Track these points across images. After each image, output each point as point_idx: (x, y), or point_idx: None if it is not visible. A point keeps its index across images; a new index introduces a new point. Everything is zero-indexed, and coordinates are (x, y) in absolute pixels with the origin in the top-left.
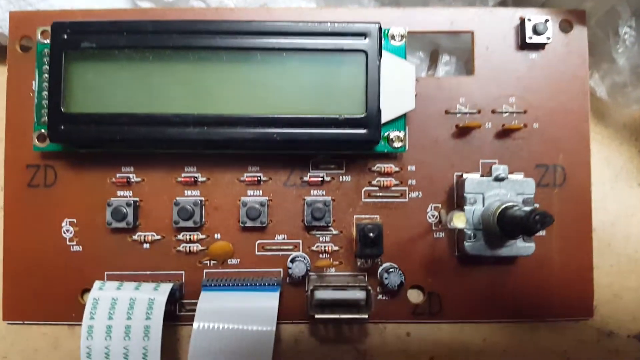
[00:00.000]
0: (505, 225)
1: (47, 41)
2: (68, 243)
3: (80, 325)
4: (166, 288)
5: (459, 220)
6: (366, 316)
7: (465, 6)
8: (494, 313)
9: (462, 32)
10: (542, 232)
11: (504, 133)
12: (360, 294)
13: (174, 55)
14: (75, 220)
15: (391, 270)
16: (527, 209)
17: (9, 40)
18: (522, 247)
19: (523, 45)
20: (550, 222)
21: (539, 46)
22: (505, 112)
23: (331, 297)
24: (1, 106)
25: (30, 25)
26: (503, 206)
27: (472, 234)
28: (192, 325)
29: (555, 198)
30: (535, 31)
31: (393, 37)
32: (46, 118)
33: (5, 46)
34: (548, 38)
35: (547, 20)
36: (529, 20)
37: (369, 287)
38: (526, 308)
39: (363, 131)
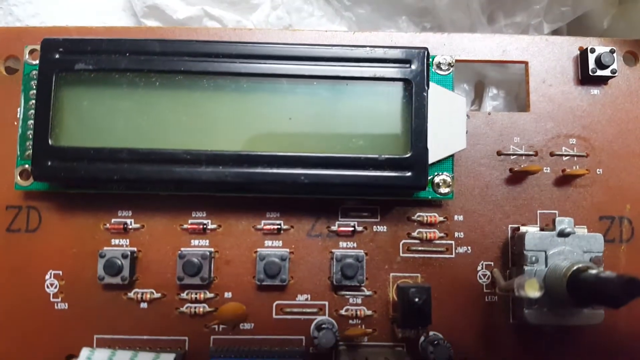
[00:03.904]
0: (579, 291)
1: (37, 62)
2: (52, 299)
3: None
4: (168, 359)
5: (532, 289)
6: None
7: (517, 33)
8: None
9: (515, 62)
10: None
11: (565, 179)
12: None
13: (185, 82)
14: (60, 272)
15: (437, 342)
16: (609, 273)
17: None
18: (590, 314)
19: (584, 79)
20: None
21: (602, 80)
22: (566, 156)
23: None
24: None
25: (18, 43)
26: (574, 268)
27: (535, 300)
28: None
29: (622, 255)
30: (600, 63)
31: (439, 65)
32: (31, 152)
33: None
34: (614, 71)
35: (613, 51)
36: (592, 50)
37: None
38: None
39: (407, 174)
